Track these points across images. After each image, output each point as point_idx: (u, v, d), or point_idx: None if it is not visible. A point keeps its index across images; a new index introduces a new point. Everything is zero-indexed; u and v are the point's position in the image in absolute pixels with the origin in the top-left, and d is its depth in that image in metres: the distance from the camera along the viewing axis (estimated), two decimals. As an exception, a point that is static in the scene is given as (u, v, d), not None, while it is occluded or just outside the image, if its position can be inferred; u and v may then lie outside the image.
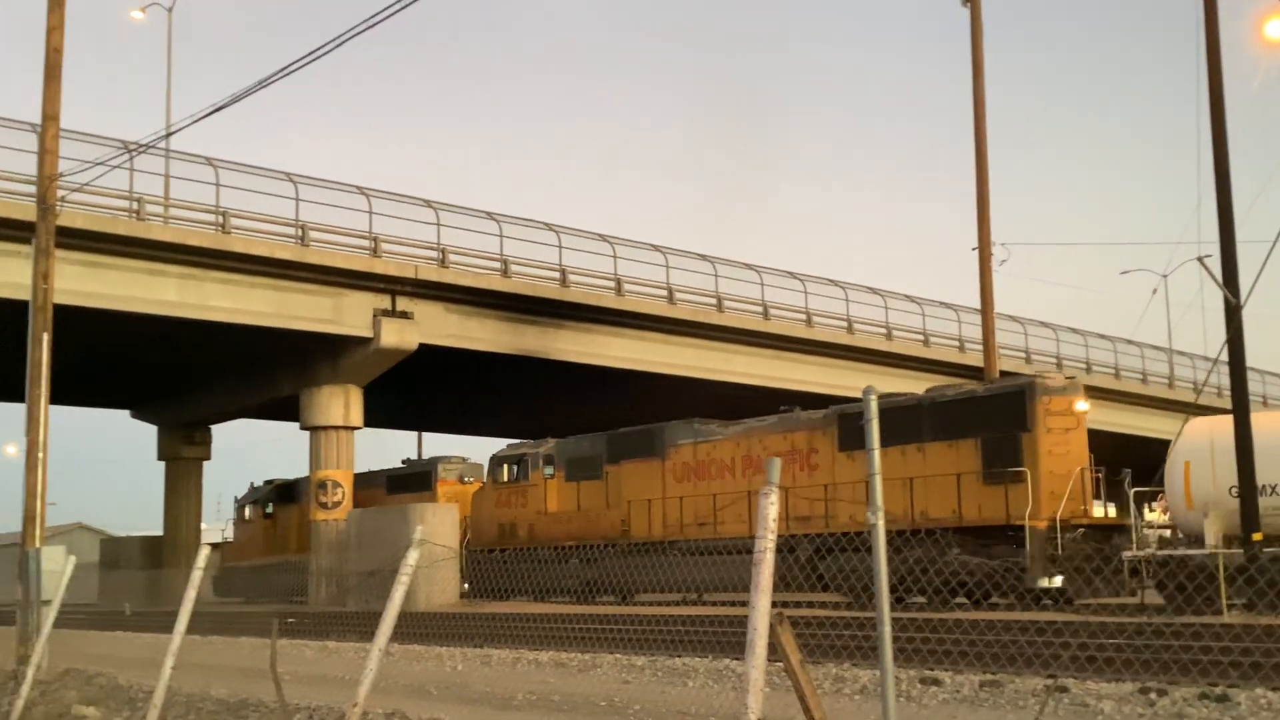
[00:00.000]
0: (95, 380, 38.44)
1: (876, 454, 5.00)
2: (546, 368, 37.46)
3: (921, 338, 45.31)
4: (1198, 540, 19.43)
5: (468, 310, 35.08)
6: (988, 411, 23.76)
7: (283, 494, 43.35)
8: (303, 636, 19.63)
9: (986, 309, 29.47)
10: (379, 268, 32.94)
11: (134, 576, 43.62)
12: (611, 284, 37.57)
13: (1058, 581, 21.78)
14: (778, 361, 41.55)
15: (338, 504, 34.96)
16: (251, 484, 45.54)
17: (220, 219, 30.90)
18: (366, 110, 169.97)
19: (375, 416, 37.59)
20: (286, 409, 37.58)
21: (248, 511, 44.88)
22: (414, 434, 56.08)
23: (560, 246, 36.62)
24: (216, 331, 31.99)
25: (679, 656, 13.32)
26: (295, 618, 23.90)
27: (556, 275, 36.45)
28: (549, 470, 33.23)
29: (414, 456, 47.31)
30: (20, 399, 15.29)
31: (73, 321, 22.37)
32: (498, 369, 37.56)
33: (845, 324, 43.15)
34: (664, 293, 38.67)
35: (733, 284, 40.52)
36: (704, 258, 40.18)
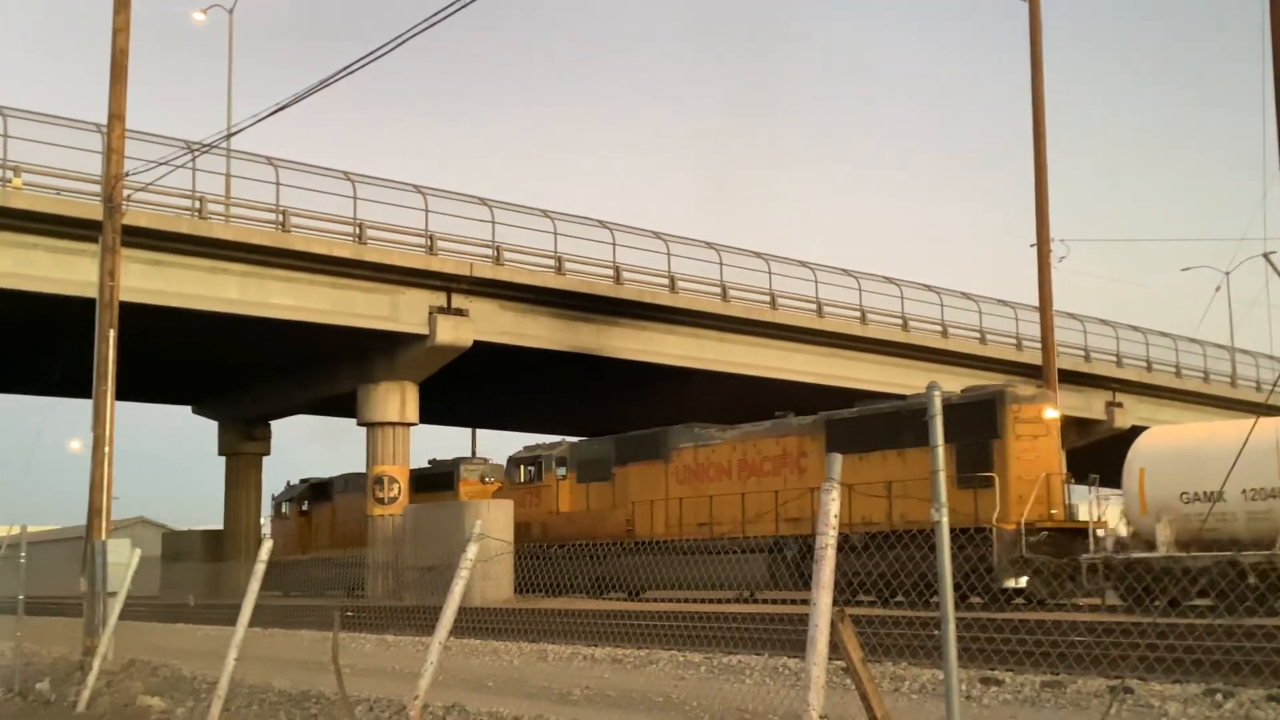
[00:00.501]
0: (158, 377, 39.07)
1: (940, 451, 4.97)
2: (600, 365, 37.54)
3: (978, 335, 44.85)
4: (1151, 544, 20.15)
5: (522, 307, 35.25)
6: (962, 418, 23.85)
7: (316, 492, 44.82)
8: (362, 629, 19.84)
9: (1045, 306, 29.13)
10: (435, 265, 33.21)
11: (195, 569, 44.31)
12: (665, 281, 37.57)
13: (1023, 582, 22.62)
14: (833, 359, 41.32)
15: (394, 499, 35.32)
16: (288, 482, 47.19)
17: (280, 217, 31.31)
18: (420, 109, 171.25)
19: (431, 413, 37.91)
20: (344, 405, 37.98)
21: (284, 508, 46.29)
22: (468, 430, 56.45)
23: (614, 244, 36.70)
24: (276, 329, 32.43)
25: (734, 654, 13.31)
26: (354, 611, 24.17)
27: (610, 273, 36.53)
28: (561, 471, 34.60)
29: (455, 455, 47.71)
30: (88, 395, 15.59)
31: (137, 319, 22.73)
32: (551, 366, 37.71)
33: (900, 321, 42.82)
34: (718, 290, 38.60)
35: (786, 281, 40.40)
36: (757, 255, 40.07)
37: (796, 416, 29.27)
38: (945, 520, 5.00)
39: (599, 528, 31.66)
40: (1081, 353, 46.44)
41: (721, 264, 38.80)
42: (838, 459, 5.35)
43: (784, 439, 28.89)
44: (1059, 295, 29.56)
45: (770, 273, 39.91)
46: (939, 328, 43.76)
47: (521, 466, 35.68)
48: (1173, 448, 20.94)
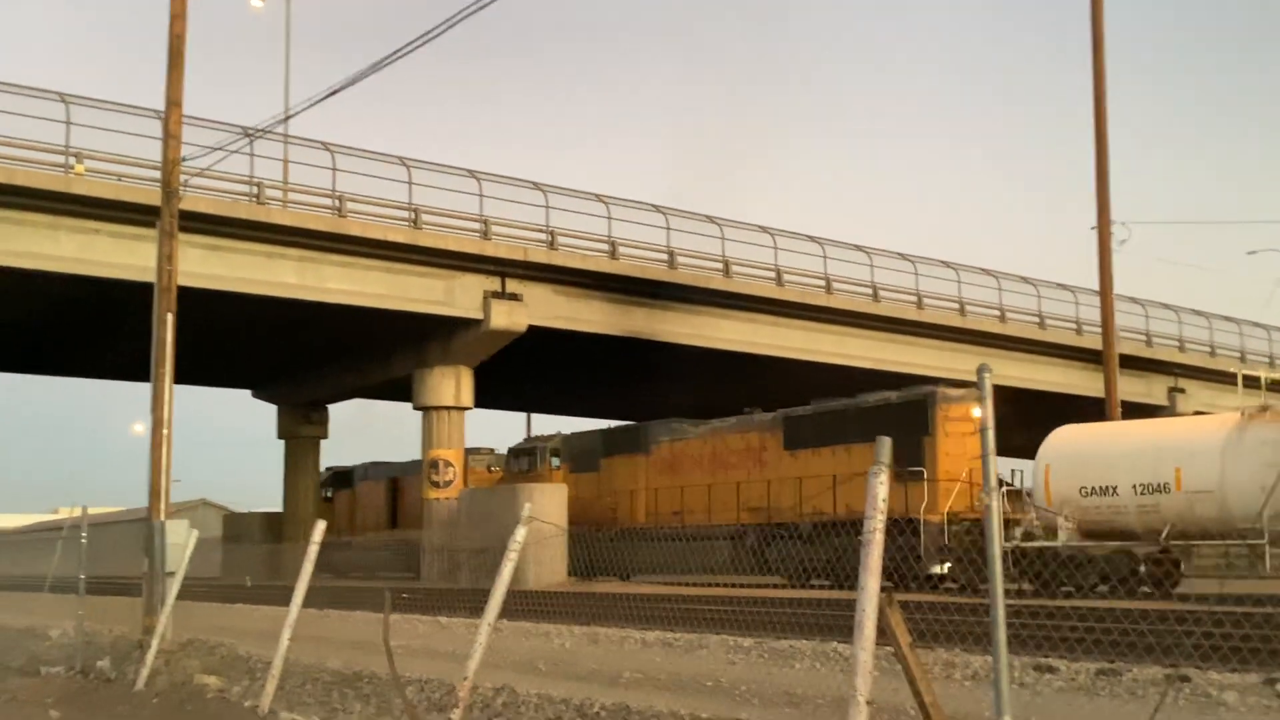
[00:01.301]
0: (218, 361, 39.63)
1: (991, 434, 4.87)
2: (653, 350, 37.51)
3: (1037, 320, 44.24)
4: (1055, 534, 21.81)
5: (576, 292, 35.29)
6: (899, 416, 26.36)
7: (339, 480, 47.31)
8: (416, 611, 20.02)
9: (1105, 290, 28.61)
10: (489, 250, 33.33)
11: (255, 550, 45.01)
12: (719, 265, 37.43)
13: (946, 568, 24.46)
14: (888, 344, 40.98)
15: (449, 483, 35.59)
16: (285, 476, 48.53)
17: (336, 203, 31.58)
18: (473, 93, 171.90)
19: (485, 397, 38.11)
20: (400, 389, 38.30)
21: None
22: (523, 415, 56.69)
23: (668, 228, 36.63)
24: (333, 313, 32.73)
25: (785, 638, 13.25)
26: (408, 593, 24.40)
27: (664, 257, 36.46)
28: (555, 462, 36.92)
29: (518, 438, 48.69)
30: (149, 378, 15.81)
31: (197, 303, 23.02)
32: (605, 351, 37.74)
33: (958, 306, 42.35)
34: (772, 274, 38.40)
35: (841, 265, 40.09)
36: (812, 239, 39.80)
37: (760, 413, 31.23)
38: (996, 504, 4.91)
39: (588, 515, 33.11)
40: (1143, 337, 45.69)
41: (776, 248, 38.59)
42: (886, 443, 5.26)
43: (747, 434, 31.03)
44: (1121, 279, 29.05)
45: (825, 257, 39.63)
46: (996, 312, 43.22)
47: (520, 457, 37.85)
48: (1074, 446, 22.59)
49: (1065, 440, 22.92)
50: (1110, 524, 21.30)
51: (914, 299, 41.44)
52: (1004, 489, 23.34)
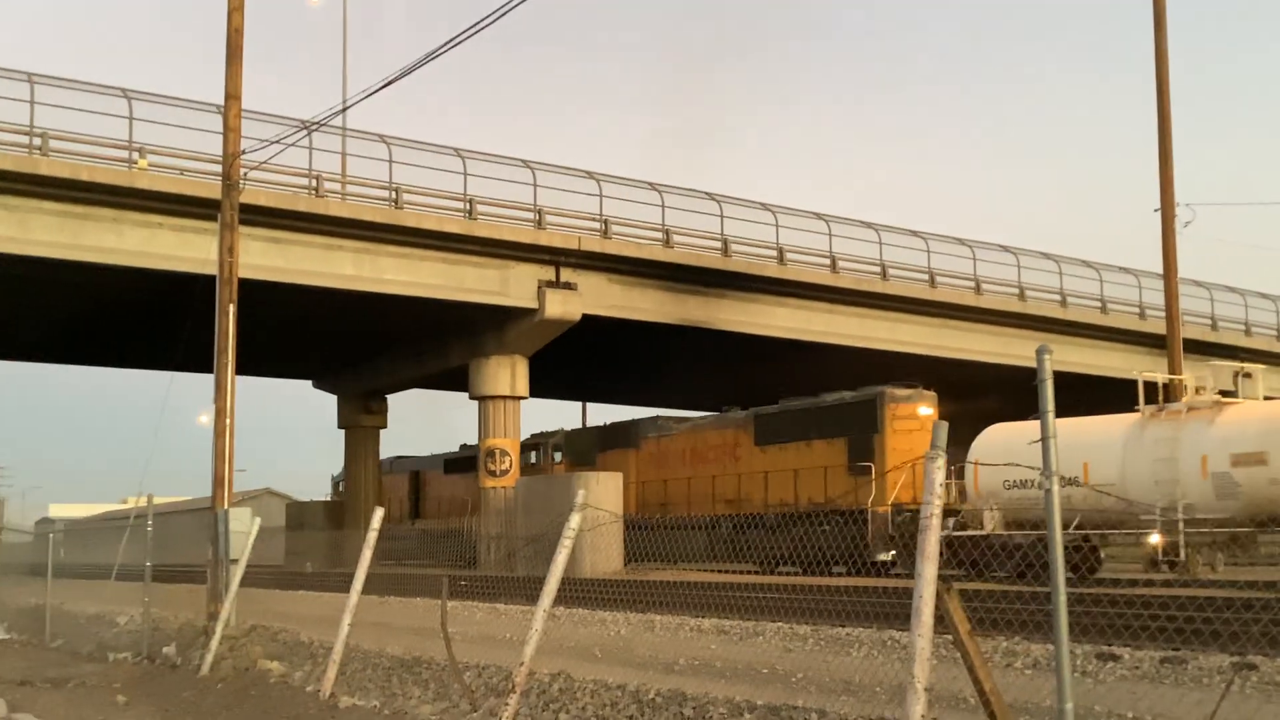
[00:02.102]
0: (279, 352, 40.18)
1: (1051, 416, 4.81)
2: (708, 338, 37.45)
3: (1099, 304, 43.58)
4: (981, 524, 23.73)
5: (630, 281, 35.32)
6: (853, 415, 28.82)
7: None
8: (474, 598, 20.17)
9: (1169, 273, 28.14)
10: (544, 239, 33.45)
11: (317, 538, 45.64)
12: (773, 253, 37.27)
13: (890, 555, 26.17)
14: (945, 330, 40.60)
15: (505, 472, 35.79)
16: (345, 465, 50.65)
17: (393, 194, 31.84)
18: (525, 84, 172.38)
19: (540, 387, 38.30)
20: (457, 379, 38.57)
21: (340, 487, 49.93)
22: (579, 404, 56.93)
23: (722, 216, 36.52)
24: (390, 304, 33.04)
25: (843, 626, 13.18)
26: (466, 580, 24.58)
27: (718, 245, 36.36)
28: (558, 456, 39.56)
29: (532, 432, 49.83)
30: (211, 369, 16.06)
31: (258, 295, 23.38)
32: (659, 339, 37.74)
33: (1017, 291, 41.81)
34: (827, 261, 38.16)
35: (896, 251, 39.76)
36: (868, 225, 39.48)
37: (735, 411, 33.37)
38: (1056, 488, 4.84)
39: None
40: (1208, 321, 44.83)
41: (830, 235, 38.34)
42: (943, 426, 5.23)
43: (724, 431, 33.37)
44: (1184, 262, 28.53)
45: (881, 243, 39.31)
46: (1057, 296, 42.64)
47: (527, 451, 39.41)
48: (999, 443, 24.41)
49: (991, 438, 24.95)
50: (1030, 514, 22.85)
51: (971, 284, 41.00)
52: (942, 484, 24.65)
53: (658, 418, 37.12)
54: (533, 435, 40.45)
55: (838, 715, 7.34)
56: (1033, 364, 4.95)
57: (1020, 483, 22.80)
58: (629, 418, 38.59)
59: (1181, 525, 20.91)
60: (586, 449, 37.60)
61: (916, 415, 28.26)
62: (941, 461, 5.13)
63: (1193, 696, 8.31)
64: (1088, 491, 21.25)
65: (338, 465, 47.68)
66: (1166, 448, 21.84)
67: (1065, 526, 19.25)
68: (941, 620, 5.37)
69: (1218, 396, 23.30)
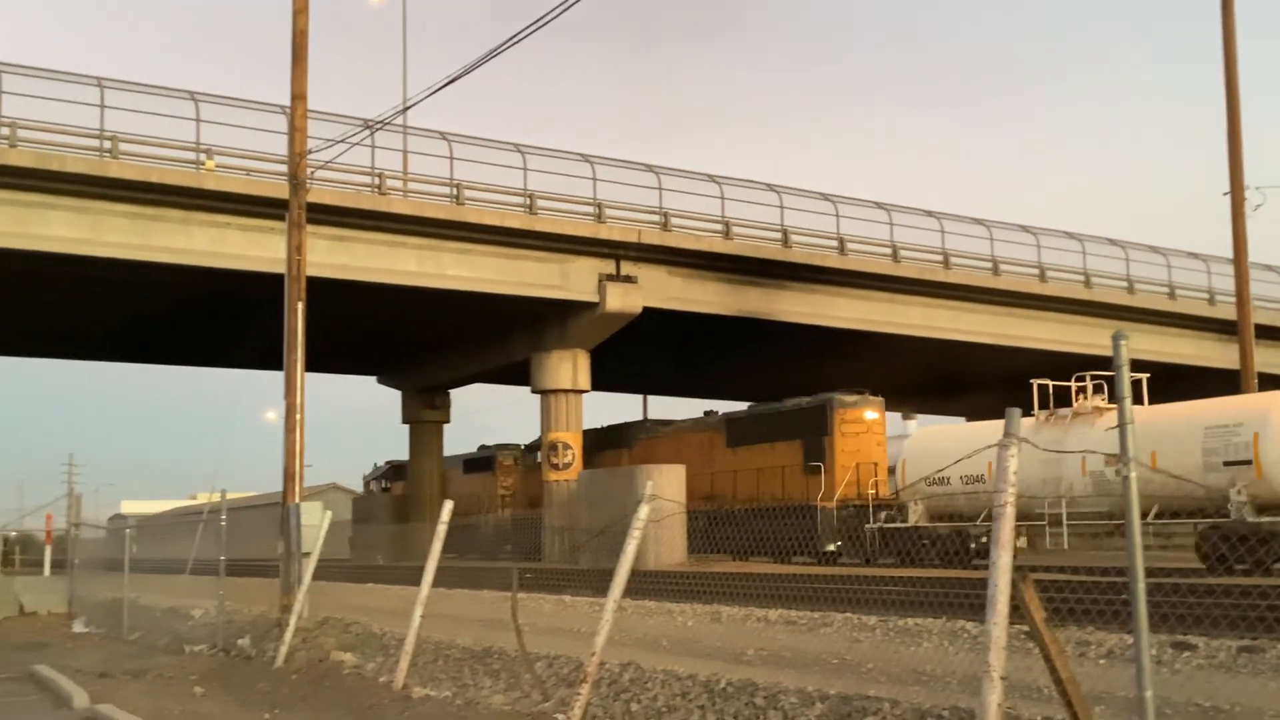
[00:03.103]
0: (345, 349, 40.67)
1: (1128, 402, 4.75)
2: (768, 329, 37.33)
3: (1167, 290, 42.81)
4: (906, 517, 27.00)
5: (690, 273, 35.29)
6: (807, 419, 31.68)
7: (397, 472, 51.05)
8: (540, 590, 20.31)
9: (1239, 258, 27.53)
10: (603, 233, 33.52)
11: (382, 532, 46.19)
12: (834, 243, 37.05)
13: (836, 545, 28.96)
14: (1009, 319, 40.12)
15: (568, 465, 35.96)
16: (375, 464, 54.06)
17: (454, 191, 32.08)
18: (588, 76, 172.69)
19: (601, 380, 38.41)
20: (519, 373, 38.81)
21: (371, 485, 53.47)
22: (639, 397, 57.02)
23: (782, 207, 36.36)
24: (453, 299, 33.31)
25: (911, 617, 13.11)
26: (532, 573, 24.77)
27: (778, 236, 36.22)
28: None
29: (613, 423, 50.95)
30: (280, 367, 16.31)
31: (324, 293, 23.64)
32: (720, 331, 37.69)
33: (1082, 278, 41.21)
34: (888, 251, 37.87)
35: (959, 239, 39.36)
36: (930, 214, 39.11)
37: (713, 414, 36.95)
38: (1133, 475, 4.79)
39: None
40: (1279, 306, 43.84)
41: (892, 224, 38.04)
42: (1016, 413, 5.19)
43: (701, 433, 36.35)
44: (1256, 246, 27.91)
45: (943, 231, 38.93)
46: (1124, 283, 41.96)
47: (535, 452, 41.13)
48: (922, 444, 28.35)
49: (918, 440, 28.96)
50: (947, 508, 26.16)
51: (1036, 272, 40.48)
52: (875, 480, 29.42)
53: (647, 421, 40.70)
54: (539, 438, 42.06)
55: (911, 705, 7.31)
56: (1098, 351, 4.93)
57: (939, 480, 25.74)
58: (624, 420, 42.03)
59: (1065, 519, 23.27)
60: (588, 449, 39.13)
61: (863, 419, 31.33)
62: (1015, 449, 5.10)
63: (1271, 686, 8.18)
64: (989, 487, 21.97)
65: (401, 459, 48.25)
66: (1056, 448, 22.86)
67: (974, 518, 24.83)
68: (1015, 609, 5.34)
69: (1098, 403, 25.08)
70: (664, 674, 9.34)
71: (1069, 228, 42.01)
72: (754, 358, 43.02)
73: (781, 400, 33.83)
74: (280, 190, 21.89)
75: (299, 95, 16.08)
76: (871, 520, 27.70)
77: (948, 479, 25.52)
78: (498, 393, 54.49)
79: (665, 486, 30.59)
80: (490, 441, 47.51)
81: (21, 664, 14.00)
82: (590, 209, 33.77)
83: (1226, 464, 21.75)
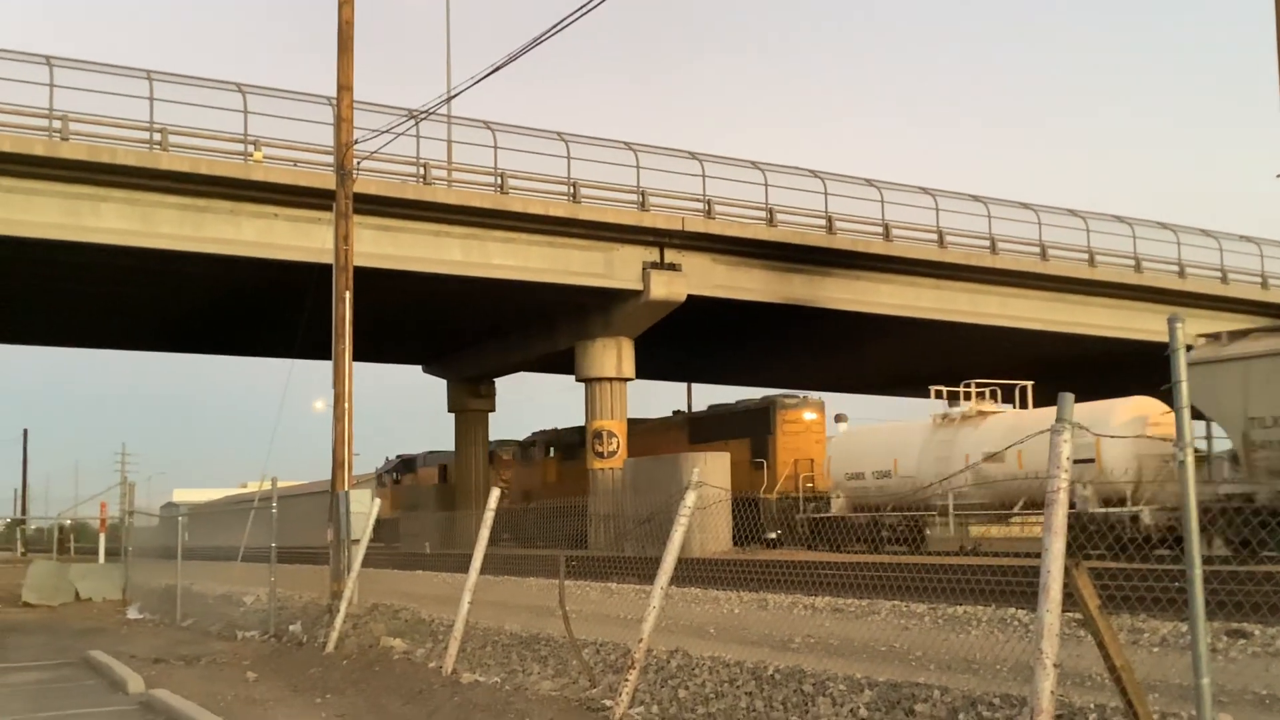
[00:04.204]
0: (391, 338, 40.95)
1: (1184, 386, 4.68)
2: (813, 316, 37.17)
3: (1219, 274, 42.16)
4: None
5: (734, 260, 35.19)
6: (754, 420, 35.54)
7: (406, 466, 55.57)
8: (586, 578, 20.37)
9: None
10: (647, 221, 33.50)
11: (429, 519, 46.54)
12: (879, 229, 36.80)
13: (777, 534, 32.29)
14: (1057, 304, 39.69)
15: (613, 453, 36.01)
16: (386, 458, 58.93)
17: (498, 180, 32.17)
18: (628, 65, 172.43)
19: (646, 368, 38.43)
20: (563, 362, 38.91)
21: (382, 478, 56.65)
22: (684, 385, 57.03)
23: (826, 193, 36.16)
24: (497, 288, 33.44)
25: (960, 605, 13.02)
26: (576, 560, 24.83)
27: (822, 222, 36.03)
28: (551, 451, 45.82)
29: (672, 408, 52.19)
30: (327, 356, 16.43)
31: (370, 283, 23.82)
32: (764, 319, 37.58)
33: (1132, 262, 40.66)
34: (934, 236, 37.55)
35: (1006, 224, 38.96)
36: (975, 198, 38.72)
37: (678, 413, 41.75)
38: (1190, 460, 4.72)
39: (571, 494, 38.17)
40: (1333, 290, 43.07)
41: (938, 209, 37.71)
42: (1068, 398, 5.13)
43: (669, 430, 40.14)
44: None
45: (990, 216, 38.54)
46: (1175, 267, 41.37)
47: (529, 447, 47.02)
48: (844, 444, 31.80)
49: (839, 441, 32.29)
50: (863, 499, 29.48)
51: (1085, 256, 39.99)
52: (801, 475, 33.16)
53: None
54: (532, 434, 47.61)
55: (961, 692, 7.26)
56: (1148, 337, 4.87)
57: (857, 475, 29.53)
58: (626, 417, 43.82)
59: (951, 508, 26.57)
60: (574, 445, 42.37)
61: (802, 420, 35.22)
62: (1068, 434, 5.04)
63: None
64: (896, 480, 28.31)
65: (447, 447, 48.68)
66: (945, 448, 28.16)
67: (884, 508, 27.75)
68: (1068, 596, 5.28)
69: (981, 408, 28.97)
70: (711, 660, 9.35)
71: (1119, 212, 41.34)
72: (799, 345, 42.85)
73: (736, 401, 37.91)
74: (327, 181, 22.06)
75: (345, 86, 16.17)
76: (802, 510, 31.44)
77: (862, 474, 29.76)
78: (543, 381, 55.29)
79: (711, 474, 30.59)
80: (534, 429, 49.34)
81: (78, 649, 14.25)
82: (634, 197, 33.76)
83: (1076, 462, 21.89)
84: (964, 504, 26.56)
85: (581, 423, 38.92)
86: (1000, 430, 26.88)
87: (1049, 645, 4.94)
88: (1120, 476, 23.70)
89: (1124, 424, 23.47)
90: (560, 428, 45.67)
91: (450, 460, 49.96)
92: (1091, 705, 6.75)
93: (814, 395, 37.82)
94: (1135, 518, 22.92)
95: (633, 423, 40.94)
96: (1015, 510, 26.31)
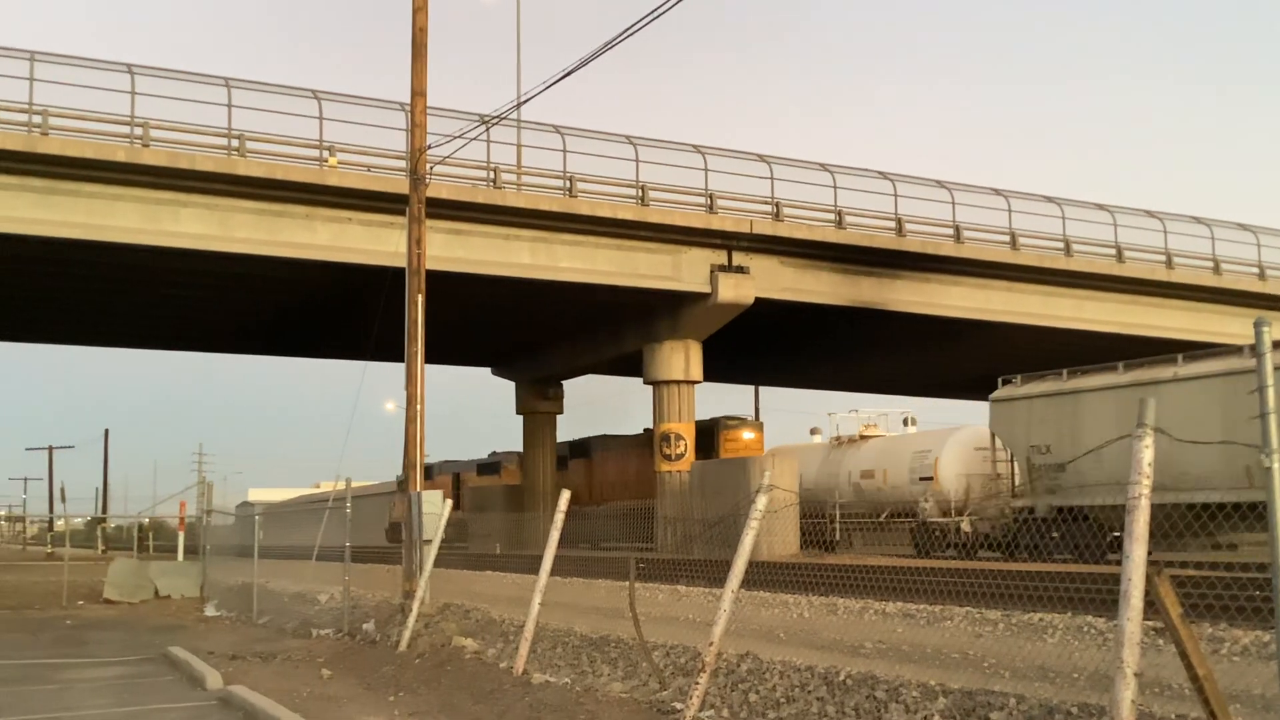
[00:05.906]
0: (460, 341, 41.32)
1: (1270, 391, 4.59)
2: (882, 319, 36.88)
3: (1302, 276, 41.14)
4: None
5: (802, 263, 35.04)
6: (703, 438, 37.86)
7: (426, 472, 57.29)
8: (654, 580, 20.40)
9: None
10: (715, 224, 33.47)
11: (498, 520, 46.87)
12: (949, 231, 36.42)
13: None
14: (1133, 307, 39.01)
15: (681, 455, 36.01)
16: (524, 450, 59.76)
17: (567, 183, 32.33)
18: (698, 68, 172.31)
19: (714, 370, 38.39)
20: (631, 365, 39.00)
21: (400, 485, 56.88)
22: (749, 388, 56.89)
23: (895, 195, 35.89)
24: (566, 291, 33.61)
25: (1034, 612, 12.84)
26: (645, 563, 24.86)
27: (892, 224, 35.75)
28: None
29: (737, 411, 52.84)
30: (399, 358, 16.64)
31: (440, 286, 24.06)
32: (832, 321, 37.36)
33: (1211, 264, 39.83)
34: (1006, 238, 37.08)
35: (1080, 226, 38.37)
36: (1049, 199, 38.19)
37: (650, 430, 41.70)
38: (1276, 467, 4.63)
39: (575, 497, 40.80)
40: None
41: (1010, 210, 37.23)
42: (1150, 403, 5.05)
43: (642, 446, 41.66)
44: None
45: (1064, 218, 37.99)
46: (1255, 269, 40.44)
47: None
48: (788, 452, 36.76)
49: (766, 456, 35.39)
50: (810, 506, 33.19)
51: (1162, 258, 39.24)
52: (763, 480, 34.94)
53: (605, 435, 47.67)
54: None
55: (1038, 701, 7.17)
56: (1228, 340, 4.74)
57: (807, 489, 32.87)
58: (588, 434, 48.83)
59: (837, 515, 31.93)
60: (563, 458, 46.60)
61: (741, 438, 39.97)
62: (1149, 439, 4.97)
63: None
64: (802, 491, 31.44)
65: (515, 447, 49.05)
66: (834, 466, 34.45)
67: (812, 517, 30.86)
68: (1149, 604, 5.21)
69: (865, 432, 34.97)
70: (781, 665, 9.31)
71: (1196, 212, 40.54)
72: (867, 348, 42.53)
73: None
74: (399, 185, 22.35)
75: (419, 91, 16.35)
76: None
77: (814, 489, 33.38)
78: (609, 384, 55.90)
79: (780, 476, 30.56)
80: (595, 432, 50.65)
81: (157, 646, 14.58)
82: (702, 199, 33.74)
83: (921, 479, 30.92)
84: (848, 511, 32.54)
85: (565, 439, 45.03)
86: (872, 452, 33.66)
87: (1129, 654, 4.87)
88: (953, 492, 29.88)
89: (957, 447, 30.58)
90: (561, 442, 47.74)
91: (461, 469, 54.49)
92: (1173, 715, 6.63)
93: (753, 418, 44.62)
94: (958, 527, 29.15)
95: (609, 438, 46.20)
96: (883, 518, 32.36)
